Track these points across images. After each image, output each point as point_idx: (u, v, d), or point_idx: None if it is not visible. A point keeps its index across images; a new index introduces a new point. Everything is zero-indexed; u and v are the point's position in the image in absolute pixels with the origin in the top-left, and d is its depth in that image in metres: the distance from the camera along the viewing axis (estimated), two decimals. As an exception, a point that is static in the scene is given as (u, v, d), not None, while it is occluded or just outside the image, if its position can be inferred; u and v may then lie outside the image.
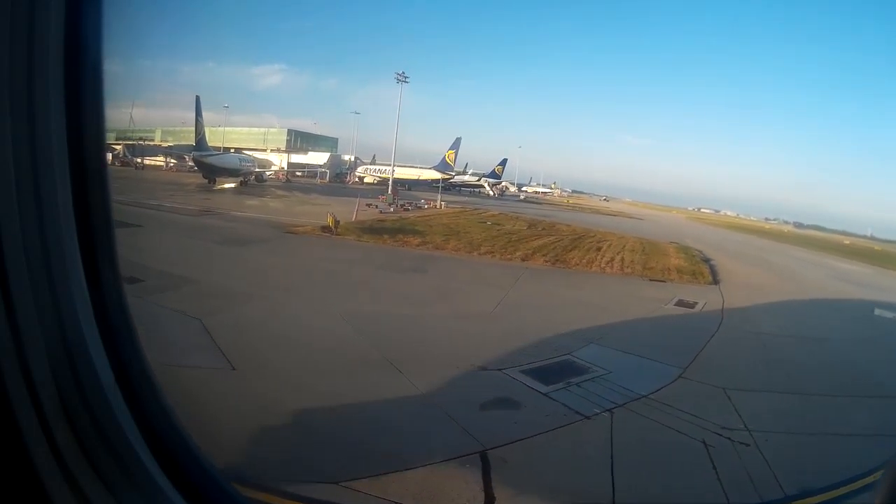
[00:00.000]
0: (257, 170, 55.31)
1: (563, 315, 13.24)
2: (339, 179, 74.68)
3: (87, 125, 1.55)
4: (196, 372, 7.51)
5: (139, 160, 78.67)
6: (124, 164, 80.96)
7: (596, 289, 17.64)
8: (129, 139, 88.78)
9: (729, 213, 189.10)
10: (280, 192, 47.20)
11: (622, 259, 24.63)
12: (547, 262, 21.79)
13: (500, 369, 8.55)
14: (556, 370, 8.85)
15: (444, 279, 16.55)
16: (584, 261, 23.06)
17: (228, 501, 2.12)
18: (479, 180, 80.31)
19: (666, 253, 29.96)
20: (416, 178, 71.56)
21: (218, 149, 76.07)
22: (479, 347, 9.77)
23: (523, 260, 21.61)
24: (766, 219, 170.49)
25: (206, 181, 49.75)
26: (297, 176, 69.26)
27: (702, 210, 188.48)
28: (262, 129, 79.12)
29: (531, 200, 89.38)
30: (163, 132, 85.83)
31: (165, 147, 76.81)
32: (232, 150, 74.87)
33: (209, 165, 46.52)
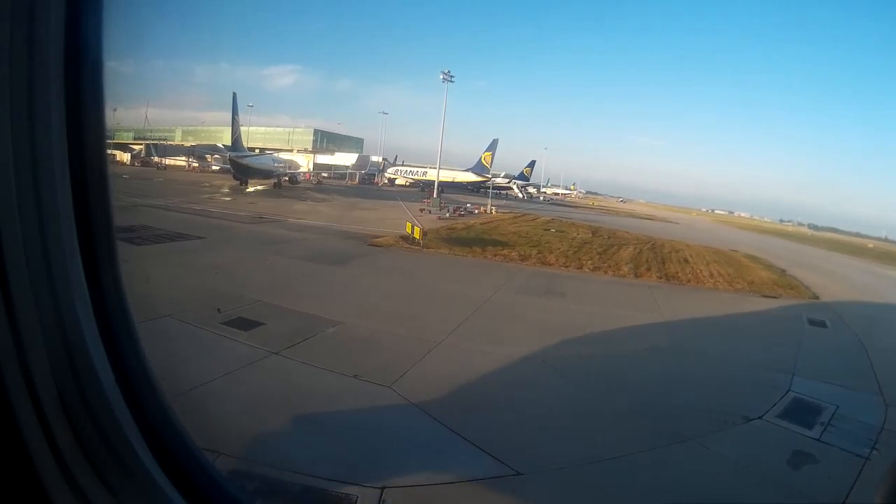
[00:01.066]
0: (290, 171, 53.10)
1: (735, 343, 12.61)
2: (367, 181, 72.27)
3: (88, 125, 1.49)
4: (474, 489, 5.34)
5: (159, 160, 76.56)
6: (144, 163, 79.03)
7: (730, 308, 16.82)
8: (149, 139, 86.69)
9: (743, 214, 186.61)
10: (319, 196, 45.15)
11: (718, 272, 23.59)
12: (660, 278, 20.72)
13: (759, 417, 8.00)
14: (798, 411, 8.42)
15: (589, 303, 15.08)
16: (688, 275, 21.99)
17: (228, 501, 2.03)
18: (509, 182, 77.79)
19: (744, 263, 28.94)
20: (450, 180, 69.11)
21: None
22: (710, 390, 9.07)
23: (636, 276, 20.43)
24: (781, 220, 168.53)
25: (238, 182, 47.62)
26: (324, 177, 66.98)
27: (716, 211, 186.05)
28: (287, 129, 76.84)
29: (557, 203, 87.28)
30: (183, 132, 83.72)
31: (188, 147, 74.60)
32: (256, 151, 72.97)
33: (245, 167, 44.67)
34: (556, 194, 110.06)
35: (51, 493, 1.34)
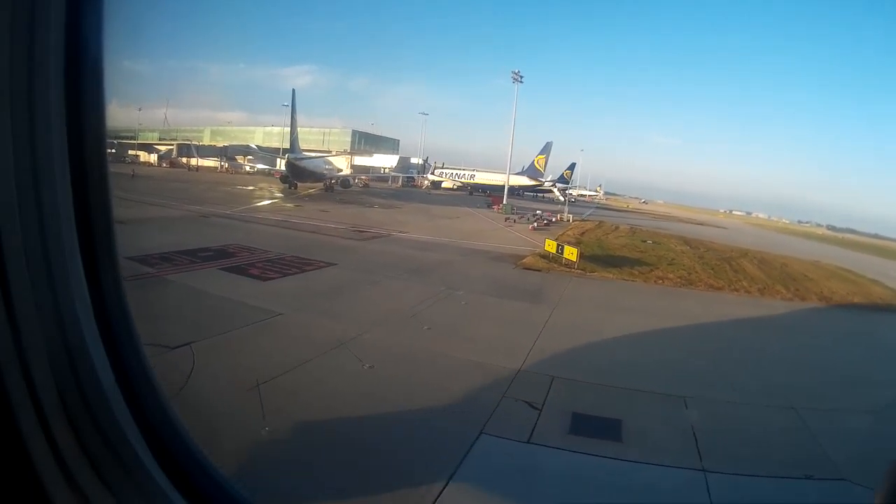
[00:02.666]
0: (340, 175, 51.03)
1: None
2: (409, 184, 70.06)
3: (88, 125, 1.50)
4: None
5: (188, 161, 74.26)
6: (173, 164, 76.68)
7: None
8: (175, 140, 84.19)
9: (760, 215, 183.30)
10: (379, 201, 43.21)
11: (848, 291, 22.75)
12: (820, 300, 19.60)
13: None
14: None
15: (829, 339, 14.20)
16: (835, 295, 20.85)
17: (228, 501, 2.01)
18: (552, 185, 75.52)
19: (851, 278, 28.09)
20: (502, 184, 66.97)
21: (275, 150, 71.79)
22: None
23: (801, 299, 19.28)
24: (799, 221, 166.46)
25: (286, 185, 45.53)
26: (368, 180, 65.12)
27: (733, 212, 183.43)
28: (322, 130, 74.18)
29: (598, 206, 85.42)
30: (212, 132, 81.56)
31: (220, 147, 72.37)
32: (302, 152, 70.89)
33: (302, 169, 43.18)
34: (583, 196, 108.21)
35: (51, 493, 1.33)
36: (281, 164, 71.46)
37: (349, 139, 72.72)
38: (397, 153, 77.14)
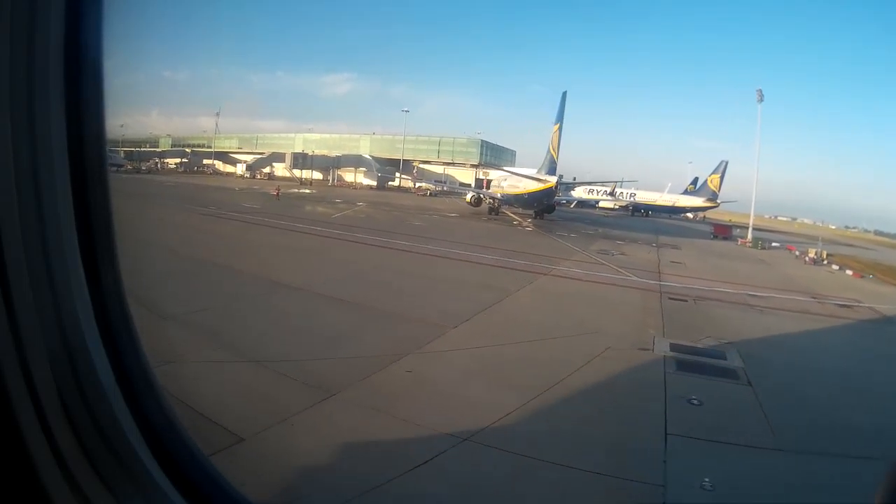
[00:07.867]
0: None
1: None
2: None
3: (88, 125, 1.49)
4: None
5: (300, 175, 70.57)
6: (271, 177, 72.66)
7: None
8: (256, 149, 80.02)
9: (805, 220, 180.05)
10: (617, 233, 35.28)
11: None
12: None
13: None
14: None
15: None
16: None
17: (228, 501, 2.01)
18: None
19: None
20: (671, 204, 63.03)
21: (392, 162, 68.05)
22: None
23: None
24: (846, 226, 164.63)
25: (488, 209, 38.42)
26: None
27: (778, 217, 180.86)
28: (438, 138, 68.81)
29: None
30: (304, 140, 78.45)
31: (333, 158, 68.67)
32: (416, 164, 67.13)
33: (555, 194, 35.31)
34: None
35: (51, 493, 1.33)
36: (399, 178, 66.90)
37: (476, 150, 65.20)
38: (514, 165, 72.52)
